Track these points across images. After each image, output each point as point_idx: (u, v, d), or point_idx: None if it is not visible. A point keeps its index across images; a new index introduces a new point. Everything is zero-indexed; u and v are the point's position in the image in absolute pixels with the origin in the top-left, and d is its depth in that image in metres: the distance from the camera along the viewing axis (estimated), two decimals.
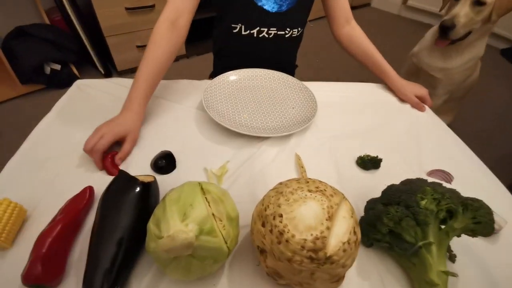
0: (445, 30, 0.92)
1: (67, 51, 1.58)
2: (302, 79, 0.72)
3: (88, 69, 1.74)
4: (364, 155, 0.53)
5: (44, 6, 1.59)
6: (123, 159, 0.50)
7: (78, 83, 0.70)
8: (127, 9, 1.49)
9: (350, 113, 0.67)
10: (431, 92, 1.11)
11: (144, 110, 0.57)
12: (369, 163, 0.52)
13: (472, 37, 0.96)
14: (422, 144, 0.59)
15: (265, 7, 0.68)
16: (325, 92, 0.71)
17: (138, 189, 0.35)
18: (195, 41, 1.95)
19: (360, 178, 0.51)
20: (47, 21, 1.60)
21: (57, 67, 1.55)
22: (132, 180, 0.36)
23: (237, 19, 0.70)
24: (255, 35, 0.72)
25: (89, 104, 0.63)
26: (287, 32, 0.73)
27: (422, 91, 0.72)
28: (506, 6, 0.88)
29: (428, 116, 0.69)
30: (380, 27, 2.67)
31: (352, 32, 0.77)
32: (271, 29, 0.71)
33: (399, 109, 0.70)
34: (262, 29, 0.71)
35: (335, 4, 0.75)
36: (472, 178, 0.53)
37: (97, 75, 1.72)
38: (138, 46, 1.65)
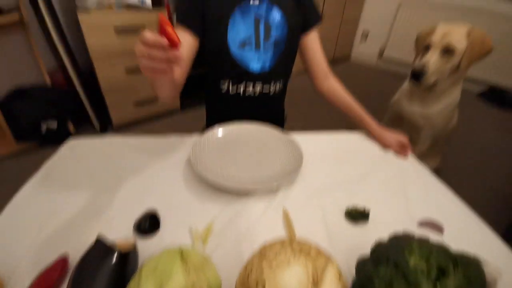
0: (416, 76, 0.97)
1: (65, 110, 1.64)
2: (293, 128, 0.75)
3: (84, 125, 1.78)
4: (352, 208, 0.52)
5: (47, 66, 1.69)
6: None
7: (70, 143, 0.71)
8: (127, 69, 1.60)
9: (337, 162, 0.68)
10: (416, 138, 1.16)
11: None
12: (357, 215, 0.51)
13: (446, 84, 1.02)
14: (409, 193, 0.59)
15: (250, 67, 0.75)
16: (311, 142, 0.74)
17: (114, 260, 0.33)
18: (189, 95, 2.05)
19: (349, 232, 0.50)
20: (49, 81, 1.69)
21: (54, 125, 1.59)
22: (108, 250, 0.34)
23: (224, 78, 0.77)
24: (241, 94, 0.78)
25: (78, 164, 0.63)
26: (271, 88, 0.79)
27: (402, 138, 0.74)
28: (475, 56, 0.93)
29: (412, 164, 0.70)
30: (360, 78, 2.89)
31: (332, 86, 0.83)
32: (257, 85, 0.77)
33: (384, 157, 0.72)
34: (248, 87, 0.77)
35: (314, 62, 0.83)
36: (462, 228, 0.52)
37: (92, 131, 1.75)
38: (135, 103, 1.73)
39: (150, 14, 1.57)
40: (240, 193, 0.56)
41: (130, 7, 1.53)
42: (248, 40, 0.73)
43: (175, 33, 0.39)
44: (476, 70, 2.54)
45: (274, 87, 0.80)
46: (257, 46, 0.74)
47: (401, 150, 0.73)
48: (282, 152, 0.67)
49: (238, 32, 0.72)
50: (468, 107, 2.32)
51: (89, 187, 0.56)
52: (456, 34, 0.93)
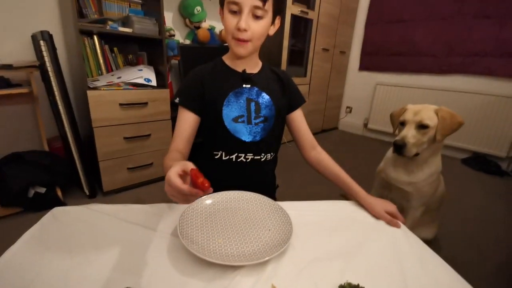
0: (398, 148, 1.05)
1: (57, 175, 1.63)
2: (284, 198, 0.75)
3: (72, 190, 1.75)
4: (345, 284, 0.49)
5: (48, 134, 1.76)
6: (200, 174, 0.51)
7: (54, 211, 0.69)
8: (125, 138, 1.67)
9: (329, 233, 0.66)
10: (407, 206, 1.16)
11: None
12: None
13: (427, 153, 1.09)
14: (404, 266, 0.57)
15: (242, 138, 0.81)
16: (301, 211, 0.73)
17: None
18: None
19: None
20: (46, 148, 1.73)
21: (42, 190, 1.56)
22: None
23: (218, 147, 0.83)
24: (233, 160, 0.83)
25: (60, 234, 0.60)
26: (262, 156, 0.85)
27: (392, 207, 0.75)
28: (447, 129, 1.03)
29: (404, 234, 0.69)
30: (347, 146, 3.04)
31: (319, 156, 0.89)
32: (248, 154, 0.83)
33: (375, 227, 0.71)
34: (240, 155, 0.83)
35: (300, 135, 0.92)
36: None
37: (81, 196, 1.71)
38: (129, 168, 1.75)
39: (154, 91, 1.74)
40: (226, 268, 0.52)
41: (136, 85, 1.70)
42: (241, 117, 0.81)
43: (206, 180, 0.49)
44: (457, 139, 2.73)
45: (264, 157, 0.86)
46: (249, 121, 0.82)
47: (392, 220, 0.72)
48: (272, 222, 0.66)
49: (232, 110, 0.81)
50: (454, 173, 2.41)
51: (69, 259, 0.53)
52: (426, 112, 1.05)
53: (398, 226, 0.71)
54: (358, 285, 0.49)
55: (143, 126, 1.74)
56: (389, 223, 0.72)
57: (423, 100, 2.85)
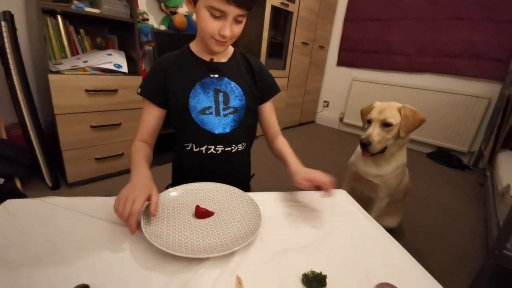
0: (364, 145, 1.10)
1: (17, 165, 1.51)
2: (260, 188, 0.75)
3: (34, 182, 1.63)
4: (309, 273, 0.50)
5: (6, 121, 1.62)
6: (156, 209, 0.58)
7: (7, 203, 0.64)
8: (92, 127, 1.58)
9: (296, 223, 0.67)
10: (375, 196, 1.22)
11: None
12: (314, 281, 0.48)
13: (393, 149, 1.15)
14: (367, 254, 0.59)
15: (211, 130, 0.80)
16: (273, 202, 0.74)
17: None
18: (155, 153, 2.03)
19: None
20: (5, 136, 1.59)
21: (0, 181, 1.44)
22: None
23: (188, 139, 0.82)
24: (204, 152, 0.82)
25: (11, 228, 0.56)
26: (233, 148, 0.84)
27: (315, 175, 0.70)
28: (410, 126, 1.09)
29: (373, 225, 0.71)
30: (323, 139, 3.12)
31: (278, 143, 0.89)
32: (218, 146, 0.82)
33: (343, 216, 0.73)
34: (209, 147, 0.81)
35: (267, 125, 0.93)
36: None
37: (43, 187, 1.61)
38: (96, 159, 1.66)
39: (125, 78, 1.65)
40: (191, 261, 0.51)
41: (105, 70, 1.60)
42: (208, 108, 0.79)
43: (207, 210, 0.64)
44: (424, 135, 2.89)
45: (235, 148, 0.84)
46: (217, 113, 0.80)
47: (310, 186, 0.69)
48: (241, 214, 0.66)
49: (199, 101, 0.78)
50: (419, 166, 2.56)
51: (20, 256, 0.49)
52: (390, 111, 1.10)
53: (329, 195, 0.69)
54: (320, 273, 0.50)
55: (112, 115, 1.65)
56: (309, 189, 0.70)
57: (395, 96, 2.98)
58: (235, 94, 0.81)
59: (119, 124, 1.68)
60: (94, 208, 0.65)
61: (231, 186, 0.74)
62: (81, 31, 1.72)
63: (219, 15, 0.67)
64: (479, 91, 2.57)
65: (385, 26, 3.01)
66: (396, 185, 1.20)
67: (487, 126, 2.52)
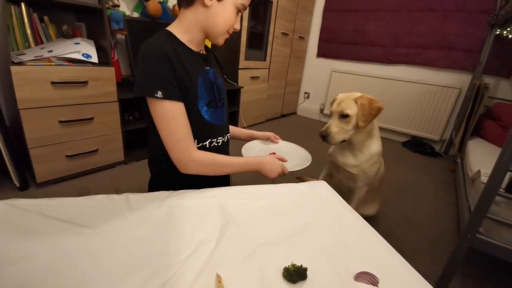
0: (323, 137, 1.13)
1: None
2: (245, 182, 0.78)
3: (1, 183, 1.52)
4: (289, 266, 0.50)
5: None
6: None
7: None
8: (61, 122, 1.48)
9: (278, 216, 0.67)
10: (354, 185, 1.25)
11: None
12: (294, 275, 0.48)
13: (361, 137, 1.15)
14: (347, 245, 0.60)
15: (214, 123, 0.81)
16: (255, 195, 0.73)
17: None
18: (134, 147, 1.95)
19: None
20: None
21: None
22: None
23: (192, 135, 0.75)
24: (207, 146, 0.82)
25: None
26: (225, 138, 0.89)
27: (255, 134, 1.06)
28: (367, 115, 1.08)
29: (352, 215, 0.72)
30: (304, 131, 3.15)
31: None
32: (219, 138, 0.85)
33: (323, 208, 0.73)
34: (212, 140, 0.83)
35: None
36: (398, 278, 0.52)
37: (11, 188, 1.49)
38: (68, 156, 1.56)
39: (95, 69, 1.55)
40: (171, 258, 0.49)
41: (72, 61, 1.49)
42: (211, 101, 0.79)
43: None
44: (399, 124, 3.00)
45: (227, 138, 0.90)
46: (217, 106, 0.81)
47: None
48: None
49: (204, 95, 0.76)
50: (395, 155, 2.66)
51: None
52: (347, 102, 1.10)
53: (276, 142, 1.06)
54: (301, 266, 0.50)
55: (83, 109, 1.55)
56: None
57: (373, 87, 3.06)
58: (222, 86, 0.84)
59: (91, 118, 1.59)
60: (63, 210, 0.60)
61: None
62: (45, 18, 1.58)
63: (243, 10, 0.73)
64: (451, 82, 2.69)
65: (362, 17, 3.05)
66: (373, 174, 1.23)
67: (457, 115, 2.66)
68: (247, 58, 2.66)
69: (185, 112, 0.70)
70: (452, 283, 1.09)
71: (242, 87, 2.66)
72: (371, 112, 1.07)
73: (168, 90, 0.66)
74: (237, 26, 0.76)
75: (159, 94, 0.65)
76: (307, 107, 3.80)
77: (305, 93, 3.79)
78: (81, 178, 1.67)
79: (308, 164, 0.95)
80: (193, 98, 0.73)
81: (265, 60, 2.93)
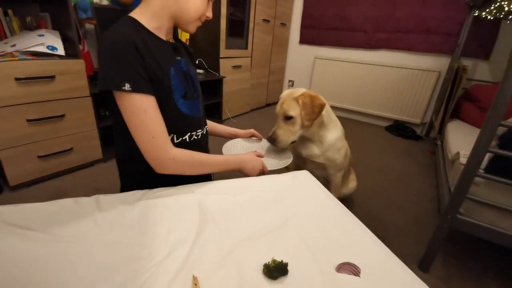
0: (272, 142, 1.05)
1: None
2: (227, 175, 0.76)
3: None
4: (270, 262, 0.48)
5: None
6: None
7: None
8: (29, 121, 1.38)
9: (259, 210, 0.65)
10: (327, 174, 1.22)
11: None
12: (275, 271, 0.47)
13: (314, 130, 1.10)
14: (329, 235, 0.59)
15: (192, 115, 0.78)
16: (236, 189, 0.71)
17: None
18: (112, 144, 1.87)
19: None
20: None
21: None
22: None
23: (169, 131, 0.69)
24: (187, 140, 0.78)
25: None
26: (204, 130, 0.86)
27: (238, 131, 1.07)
28: (310, 114, 1.01)
29: (334, 204, 0.71)
30: None
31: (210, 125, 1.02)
32: (198, 130, 0.82)
33: (305, 198, 0.72)
34: (192, 133, 0.79)
35: None
36: (380, 266, 0.52)
37: None
38: (40, 157, 1.47)
39: (62, 62, 1.45)
40: (144, 261, 0.46)
41: (36, 54, 1.39)
42: (186, 93, 0.75)
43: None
44: (382, 109, 3.04)
45: (205, 130, 0.87)
46: (192, 97, 0.77)
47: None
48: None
49: (178, 87, 0.72)
50: (378, 139, 2.70)
51: None
52: (288, 103, 1.04)
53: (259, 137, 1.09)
54: (281, 261, 0.48)
55: (53, 105, 1.45)
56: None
57: (356, 73, 3.06)
58: (194, 76, 0.81)
59: (62, 115, 1.50)
60: (27, 217, 0.56)
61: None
62: (9, 11, 1.46)
63: None
64: (430, 65, 2.73)
65: (343, 2, 3.01)
66: (342, 159, 1.19)
67: (437, 98, 2.71)
68: (228, 46, 2.58)
69: (157, 106, 0.65)
70: (434, 262, 1.13)
71: (224, 77, 2.59)
72: (313, 110, 1.01)
73: (137, 82, 0.61)
74: (209, 14, 0.71)
75: (127, 86, 0.59)
76: None
77: (289, 81, 3.76)
78: (58, 179, 1.59)
79: (289, 163, 0.95)
80: (168, 91, 0.68)
81: (246, 48, 2.86)
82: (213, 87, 2.63)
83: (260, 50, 3.06)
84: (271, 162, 0.96)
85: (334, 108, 3.37)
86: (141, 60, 0.61)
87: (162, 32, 0.70)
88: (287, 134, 1.05)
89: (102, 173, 1.68)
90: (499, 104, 0.86)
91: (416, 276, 0.50)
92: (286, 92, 1.10)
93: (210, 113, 2.81)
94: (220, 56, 2.53)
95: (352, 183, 1.44)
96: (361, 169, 2.01)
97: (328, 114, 1.12)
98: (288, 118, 1.04)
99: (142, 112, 0.62)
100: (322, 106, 1.03)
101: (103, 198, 0.62)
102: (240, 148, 1.04)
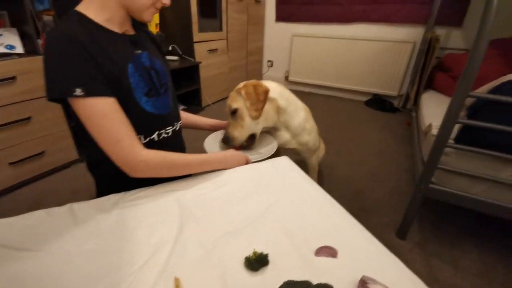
0: (228, 142, 0.99)
1: None
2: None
3: None
4: (251, 255, 0.49)
5: None
6: None
7: None
8: None
9: (240, 201, 0.65)
10: (304, 158, 1.21)
11: None
12: (255, 263, 0.48)
13: (272, 119, 1.04)
14: (308, 220, 0.60)
15: (159, 113, 0.73)
16: (216, 183, 0.71)
17: None
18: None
19: (250, 284, 0.46)
20: None
21: None
22: None
23: (135, 131, 0.66)
24: (156, 140, 0.74)
25: None
26: (176, 126, 0.82)
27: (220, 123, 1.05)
28: (256, 103, 0.96)
29: (313, 188, 0.72)
30: None
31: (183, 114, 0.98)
32: (167, 128, 0.78)
33: (285, 185, 0.73)
34: (160, 132, 0.75)
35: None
36: (356, 247, 0.54)
37: None
38: (11, 163, 1.40)
39: (22, 61, 1.34)
40: (124, 264, 0.47)
41: None
42: (150, 90, 0.70)
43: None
44: (361, 84, 3.07)
45: (178, 126, 0.83)
46: (158, 94, 0.73)
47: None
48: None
49: (139, 84, 0.67)
50: (358, 114, 2.76)
51: None
52: (232, 97, 1.00)
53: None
54: (262, 253, 0.50)
55: (17, 108, 1.36)
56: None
57: (333, 49, 3.04)
58: (161, 69, 0.75)
59: (28, 118, 1.41)
60: None
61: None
62: None
63: None
64: (405, 36, 2.74)
65: None
66: (313, 140, 1.17)
67: (412, 69, 2.76)
68: (201, 29, 2.47)
69: (119, 107, 0.61)
70: (411, 230, 1.20)
71: (200, 62, 2.50)
72: (258, 98, 0.96)
73: (90, 85, 0.56)
74: (166, 1, 0.66)
75: (79, 92, 0.55)
76: (272, 76, 3.73)
77: (268, 61, 3.69)
78: (34, 184, 1.53)
79: (273, 151, 0.94)
80: (127, 90, 0.64)
81: (221, 30, 2.75)
82: (190, 73, 2.54)
83: (236, 31, 2.95)
84: (255, 155, 0.94)
85: (314, 86, 3.41)
86: (91, 59, 0.56)
87: (114, 24, 0.64)
88: (238, 130, 0.98)
89: (79, 174, 1.63)
90: (467, 74, 0.87)
91: (387, 250, 0.53)
92: (238, 87, 1.03)
93: (189, 102, 2.73)
94: (194, 40, 2.42)
95: (322, 151, 1.44)
96: (343, 146, 2.07)
97: (284, 97, 1.04)
98: (234, 112, 0.98)
99: (102, 117, 0.58)
100: (266, 93, 0.97)
101: (77, 206, 0.61)
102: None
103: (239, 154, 0.82)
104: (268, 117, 1.02)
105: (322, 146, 1.48)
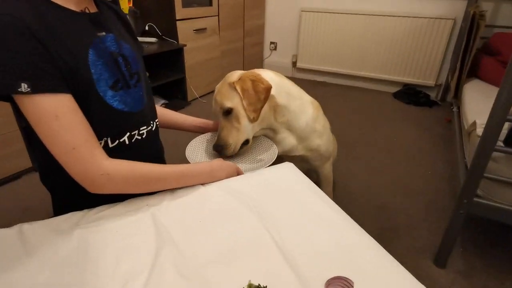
0: (220, 151, 0.98)
1: None
2: None
3: None
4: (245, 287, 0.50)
5: None
6: None
7: None
8: None
9: (228, 221, 0.66)
10: (315, 166, 1.22)
11: None
12: None
13: (270, 121, 1.05)
14: (317, 242, 0.61)
15: (129, 110, 0.74)
16: (201, 196, 0.72)
17: None
18: None
19: None
20: None
21: None
22: None
23: (99, 134, 0.67)
24: (127, 143, 0.75)
25: None
26: (152, 125, 0.83)
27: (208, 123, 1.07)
28: (255, 102, 0.96)
29: (323, 202, 0.73)
30: None
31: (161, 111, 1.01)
32: (141, 128, 0.78)
33: (289, 198, 0.74)
34: (133, 133, 0.76)
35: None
36: (380, 279, 0.54)
37: None
38: None
39: None
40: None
41: None
42: (117, 82, 0.70)
43: None
44: (388, 71, 3.09)
45: (154, 124, 0.85)
46: (127, 85, 0.73)
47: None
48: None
49: (102, 74, 0.67)
50: (385, 108, 2.78)
51: None
52: (223, 92, 0.99)
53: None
54: (259, 285, 0.50)
55: None
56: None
57: (352, 27, 3.07)
58: (131, 55, 0.76)
59: None
60: None
61: None
62: None
63: None
64: (443, 12, 2.77)
65: None
66: (326, 145, 1.17)
67: (452, 53, 2.78)
68: (185, 4, 2.50)
69: (76, 106, 0.61)
70: (452, 255, 1.21)
71: (185, 45, 2.53)
72: (258, 97, 0.95)
73: (38, 78, 0.55)
74: None
75: (24, 87, 0.54)
76: (276, 62, 3.76)
77: (271, 43, 3.72)
78: None
79: (272, 160, 0.93)
80: (87, 83, 0.64)
81: (211, 4, 2.77)
82: (172, 59, 2.57)
83: (230, 5, 2.98)
84: (252, 164, 0.94)
85: (329, 74, 3.43)
86: (39, 46, 0.56)
87: (70, 0, 0.64)
88: (233, 134, 0.97)
89: (32, 187, 1.64)
90: None
91: (418, 282, 0.54)
92: (219, 85, 1.04)
93: (171, 95, 2.76)
94: (177, 17, 2.45)
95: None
96: (364, 149, 2.08)
97: (283, 91, 1.04)
98: (227, 112, 0.97)
99: (53, 118, 0.57)
100: (267, 91, 0.96)
101: (29, 227, 0.61)
102: (210, 148, 1.00)
103: (228, 164, 0.83)
104: (262, 117, 1.01)
105: (334, 147, 1.48)
